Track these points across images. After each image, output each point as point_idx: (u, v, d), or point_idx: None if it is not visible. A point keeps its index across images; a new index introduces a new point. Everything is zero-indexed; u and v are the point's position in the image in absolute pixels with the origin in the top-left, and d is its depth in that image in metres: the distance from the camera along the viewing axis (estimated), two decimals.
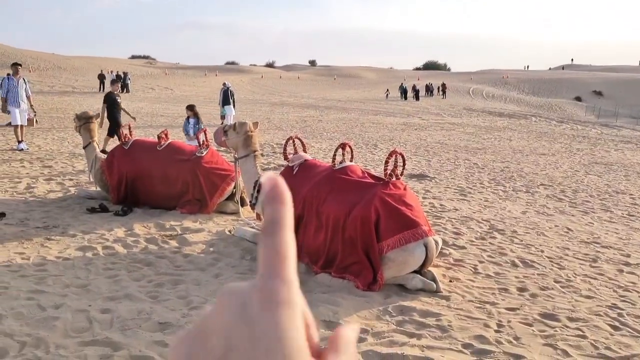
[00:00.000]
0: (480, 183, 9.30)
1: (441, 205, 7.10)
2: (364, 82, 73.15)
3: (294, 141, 4.89)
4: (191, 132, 9.29)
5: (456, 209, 6.88)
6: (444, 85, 52.46)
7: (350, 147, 4.52)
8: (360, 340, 3.05)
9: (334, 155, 4.41)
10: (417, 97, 45.65)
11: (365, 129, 19.70)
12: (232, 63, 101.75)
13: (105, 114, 10.07)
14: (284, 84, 63.83)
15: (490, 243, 5.26)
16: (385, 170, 4.03)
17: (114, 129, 10.18)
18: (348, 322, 3.26)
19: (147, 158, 5.97)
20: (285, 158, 4.85)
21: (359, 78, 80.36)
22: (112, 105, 10.19)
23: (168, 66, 78.45)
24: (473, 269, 4.39)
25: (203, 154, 5.88)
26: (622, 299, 3.84)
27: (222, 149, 8.02)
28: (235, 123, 5.29)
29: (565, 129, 27.60)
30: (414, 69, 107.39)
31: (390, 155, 4.07)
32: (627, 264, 4.78)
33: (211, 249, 4.65)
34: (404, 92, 47.23)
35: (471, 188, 8.72)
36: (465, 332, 3.16)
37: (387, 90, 50.32)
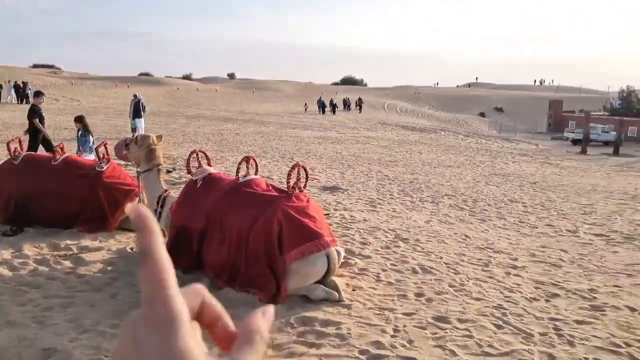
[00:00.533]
0: (390, 194, 9.67)
1: (351, 216, 7.29)
2: (283, 96, 73.62)
3: (197, 155, 4.82)
4: (86, 145, 8.74)
5: (365, 220, 7.10)
6: (360, 99, 54.17)
7: (254, 160, 4.53)
8: None
9: (238, 168, 4.40)
10: (334, 111, 46.73)
11: (282, 142, 19.80)
12: (146, 74, 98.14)
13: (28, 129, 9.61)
14: (201, 97, 62.59)
15: (394, 252, 5.48)
16: (288, 183, 4.08)
17: (35, 145, 9.53)
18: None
19: (40, 173, 5.58)
20: (189, 172, 4.76)
21: (278, 91, 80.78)
22: (39, 120, 9.76)
23: (75, 76, 74.05)
24: (376, 277, 4.54)
25: (103, 169, 5.61)
26: (507, 299, 4.16)
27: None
28: (137, 136, 5.12)
29: (471, 143, 29.53)
30: (332, 84, 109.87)
31: (293, 168, 4.13)
32: (514, 267, 5.18)
33: (109, 268, 4.43)
34: (322, 106, 48.17)
35: (381, 199, 9.04)
36: (363, 339, 3.26)
37: (306, 104, 50.99)
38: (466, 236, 6.54)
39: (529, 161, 20.28)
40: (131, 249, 5.00)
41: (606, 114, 60.54)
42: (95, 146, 7.26)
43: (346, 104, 53.91)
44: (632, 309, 4.08)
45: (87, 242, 5.15)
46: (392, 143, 23.03)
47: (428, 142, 26.19)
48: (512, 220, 7.95)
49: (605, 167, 21.20)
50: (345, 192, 9.47)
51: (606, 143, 40.09)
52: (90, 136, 8.98)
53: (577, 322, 3.74)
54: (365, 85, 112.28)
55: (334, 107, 47.36)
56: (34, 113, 9.76)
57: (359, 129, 31.40)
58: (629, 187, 13.93)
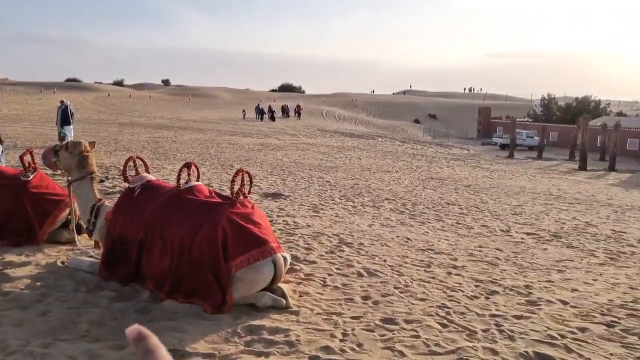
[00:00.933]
0: (332, 200, 9.72)
1: (294, 222, 7.24)
2: (220, 103, 72.48)
3: (134, 161, 4.60)
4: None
5: (309, 225, 7.08)
6: (299, 106, 54.36)
7: (196, 166, 4.38)
8: None
9: (179, 175, 4.24)
10: (272, 117, 46.61)
11: (221, 149, 19.46)
12: (74, 80, 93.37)
13: None
14: (134, 104, 60.38)
15: (339, 256, 5.49)
16: (231, 189, 3.98)
17: None
18: (195, 348, 3.11)
19: None
20: (126, 179, 4.53)
21: (215, 98, 79.45)
22: None
23: None
24: (322, 282, 4.52)
25: (29, 178, 5.23)
26: (450, 298, 4.27)
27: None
28: (68, 142, 4.82)
29: (407, 148, 30.39)
30: (270, 91, 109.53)
31: (237, 174, 4.04)
32: (455, 267, 5.34)
33: (38, 283, 4.12)
34: (260, 112, 47.92)
35: (323, 205, 9.07)
36: (312, 345, 3.22)
37: (244, 110, 50.53)
38: (408, 239, 6.68)
39: (461, 165, 21.15)
40: (62, 262, 4.69)
41: (530, 120, 64.44)
42: (2, 155, 6.74)
43: (285, 111, 53.93)
44: (564, 302, 4.31)
45: (11, 257, 4.76)
46: (331, 149, 23.25)
47: (366, 148, 26.68)
48: (449, 222, 8.22)
49: (531, 170, 22.51)
50: (288, 199, 9.42)
51: (531, 147, 42.64)
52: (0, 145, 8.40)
53: (516, 317, 3.89)
54: (304, 92, 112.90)
55: (272, 114, 47.23)
56: None
57: (298, 136, 31.47)
58: (552, 189, 14.86)
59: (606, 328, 3.75)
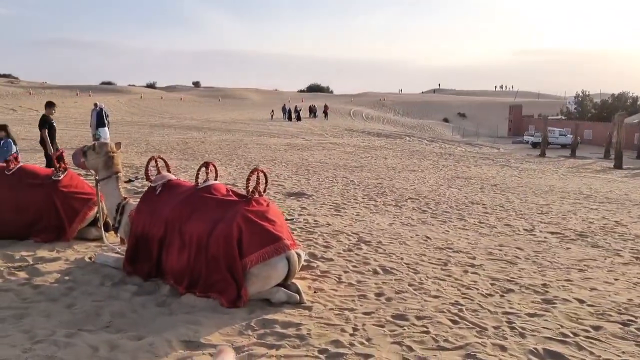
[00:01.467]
0: (355, 199, 9.78)
1: (315, 221, 7.34)
2: (249, 104, 73.33)
3: (156, 161, 4.79)
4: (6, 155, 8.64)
5: (329, 224, 7.17)
6: (326, 106, 54.52)
7: (214, 165, 4.53)
8: None
9: (197, 174, 4.40)
10: (298, 117, 46.98)
11: (248, 150, 19.74)
12: (108, 83, 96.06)
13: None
14: (166, 105, 61.72)
15: (356, 254, 5.56)
16: (247, 187, 4.11)
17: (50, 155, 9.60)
18: (209, 340, 3.24)
19: None
20: (148, 179, 4.72)
21: (244, 99, 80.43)
22: (49, 130, 10.19)
23: (33, 85, 71.89)
24: (337, 279, 4.60)
25: (60, 178, 5.50)
26: (464, 296, 4.29)
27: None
28: (95, 143, 5.05)
29: (435, 148, 30.12)
30: (298, 91, 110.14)
31: (252, 173, 4.16)
32: (472, 265, 5.33)
33: (67, 277, 4.34)
34: (287, 113, 48.39)
35: (345, 204, 9.14)
36: (323, 339, 3.31)
37: (272, 111, 51.00)
38: (427, 237, 6.69)
39: (490, 164, 20.84)
40: (89, 258, 4.92)
41: (563, 117, 62.83)
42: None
43: (312, 111, 54.18)
44: (581, 301, 4.27)
45: (43, 252, 5.03)
46: (357, 149, 23.27)
47: (393, 147, 26.58)
48: (472, 221, 8.16)
49: (562, 168, 22.00)
50: (310, 198, 9.52)
51: (563, 146, 41.61)
52: (14, 145, 8.81)
53: (529, 315, 3.89)
54: (332, 92, 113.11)
55: (298, 114, 47.62)
56: (45, 123, 10.24)
57: (325, 136, 31.59)
58: (583, 188, 14.51)
59: (621, 327, 3.71)
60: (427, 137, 41.31)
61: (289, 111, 48.44)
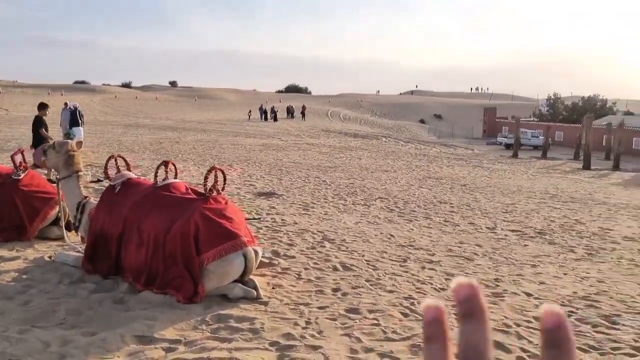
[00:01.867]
0: (325, 198, 9.89)
1: (282, 220, 7.42)
2: (226, 104, 72.97)
3: (116, 160, 4.82)
4: None
5: (296, 223, 7.25)
6: (304, 107, 54.62)
7: (173, 164, 4.59)
8: (170, 350, 3.12)
9: (156, 172, 4.44)
10: (275, 118, 47.05)
11: (223, 150, 19.69)
12: (82, 82, 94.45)
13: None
14: (140, 105, 61.00)
15: (318, 252, 5.66)
16: (205, 185, 4.18)
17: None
18: (162, 335, 3.30)
19: None
20: (107, 177, 4.75)
21: (221, 99, 79.99)
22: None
23: (3, 84, 70.22)
24: (297, 276, 4.70)
25: (20, 177, 5.47)
26: (418, 290, 4.43)
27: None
28: (55, 142, 5.05)
29: (410, 149, 30.46)
30: (276, 92, 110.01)
31: (210, 171, 4.23)
32: (430, 262, 5.49)
33: (24, 276, 4.34)
34: (263, 113, 48.39)
35: (315, 203, 9.24)
36: (275, 332, 3.40)
37: (250, 111, 50.86)
38: (391, 235, 6.84)
39: (462, 165, 21.20)
40: (49, 257, 4.91)
41: (535, 119, 64.16)
42: None
43: (290, 112, 54.22)
44: (528, 294, 4.46)
45: (3, 252, 5.00)
46: (333, 150, 23.40)
47: (369, 148, 26.78)
48: (437, 220, 8.35)
49: (533, 169, 22.51)
50: (281, 197, 9.60)
51: (536, 147, 42.51)
52: None
53: None
54: (310, 93, 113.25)
55: (275, 114, 47.65)
56: (41, 124, 10.71)
57: (302, 136, 31.66)
58: (550, 188, 14.91)
59: None
60: (403, 138, 41.75)
61: (265, 111, 48.45)
